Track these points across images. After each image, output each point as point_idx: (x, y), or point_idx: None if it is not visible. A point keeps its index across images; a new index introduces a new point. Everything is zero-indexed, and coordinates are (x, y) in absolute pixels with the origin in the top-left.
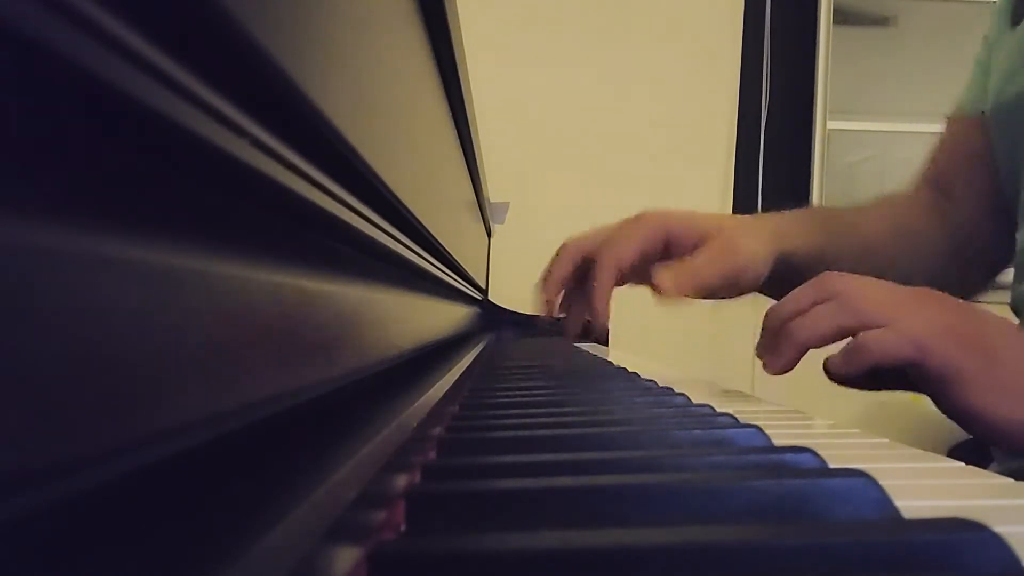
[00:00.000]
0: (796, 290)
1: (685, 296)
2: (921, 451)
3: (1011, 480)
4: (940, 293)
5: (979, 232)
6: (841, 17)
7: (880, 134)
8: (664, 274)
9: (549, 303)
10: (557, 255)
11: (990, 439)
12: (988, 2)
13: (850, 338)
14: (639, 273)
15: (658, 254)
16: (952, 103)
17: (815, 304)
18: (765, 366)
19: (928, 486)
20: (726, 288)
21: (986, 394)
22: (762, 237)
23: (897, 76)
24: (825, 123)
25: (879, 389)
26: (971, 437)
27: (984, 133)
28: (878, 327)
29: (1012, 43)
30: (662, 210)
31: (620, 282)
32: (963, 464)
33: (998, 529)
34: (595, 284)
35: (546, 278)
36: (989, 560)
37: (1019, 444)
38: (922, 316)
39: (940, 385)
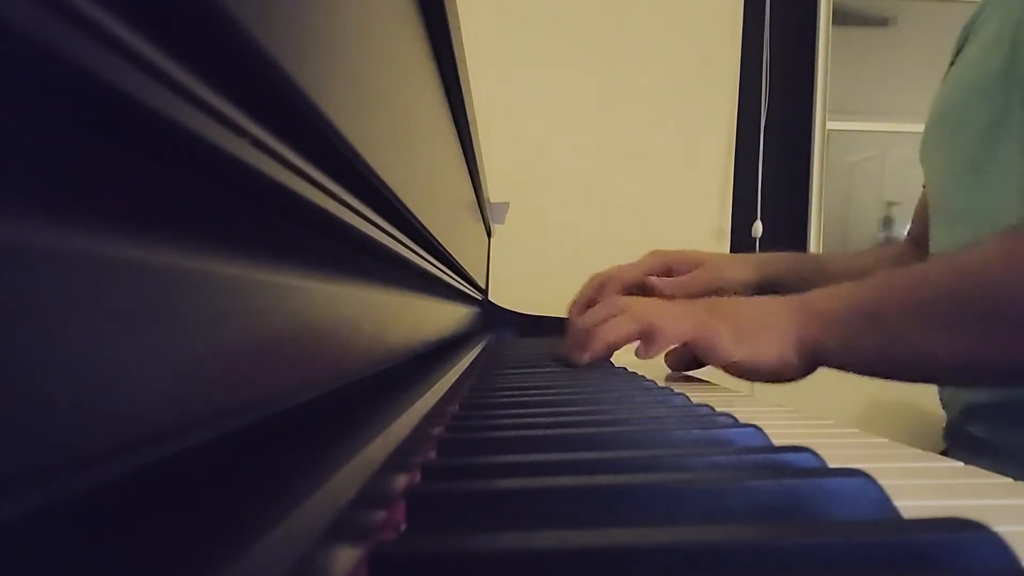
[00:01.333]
0: (595, 307)
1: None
2: (921, 451)
3: (1011, 480)
4: (700, 299)
5: None
6: (841, 17)
7: (880, 134)
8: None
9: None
10: (584, 285)
11: (751, 377)
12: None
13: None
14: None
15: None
16: None
17: (609, 317)
18: (573, 360)
19: (927, 486)
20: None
21: (737, 345)
22: (745, 266)
23: (897, 76)
24: (825, 123)
25: (694, 368)
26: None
27: None
28: (659, 326)
29: (935, 96)
30: (677, 251)
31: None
32: (963, 464)
33: (998, 529)
34: (583, 357)
35: (575, 302)
36: (989, 560)
37: (767, 374)
38: (691, 309)
39: (709, 350)
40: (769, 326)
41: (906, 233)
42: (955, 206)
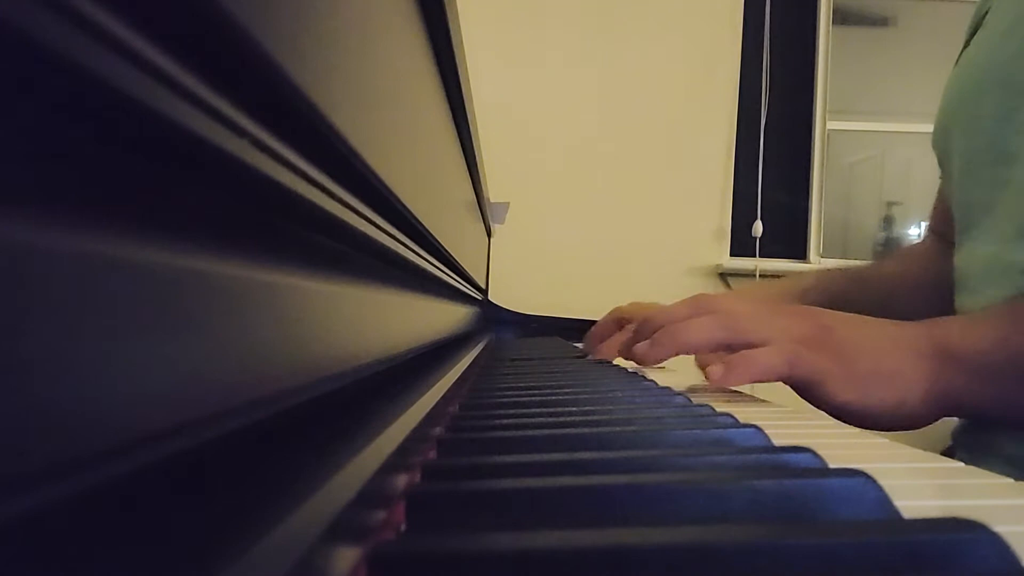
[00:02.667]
0: (674, 304)
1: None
2: (921, 451)
3: (1011, 480)
4: (803, 307)
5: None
6: (841, 17)
7: (880, 134)
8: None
9: (591, 349)
10: (607, 316)
11: (861, 424)
12: None
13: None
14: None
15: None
16: None
17: (694, 315)
18: (640, 358)
19: (928, 486)
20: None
21: (847, 388)
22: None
23: (897, 76)
24: (825, 123)
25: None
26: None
27: None
28: (750, 343)
29: (948, 82)
30: (720, 294)
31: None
32: (963, 464)
33: (998, 529)
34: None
35: (593, 332)
36: (989, 560)
37: (883, 423)
38: (789, 333)
39: (810, 389)
40: (893, 369)
41: (926, 228)
42: (975, 198)
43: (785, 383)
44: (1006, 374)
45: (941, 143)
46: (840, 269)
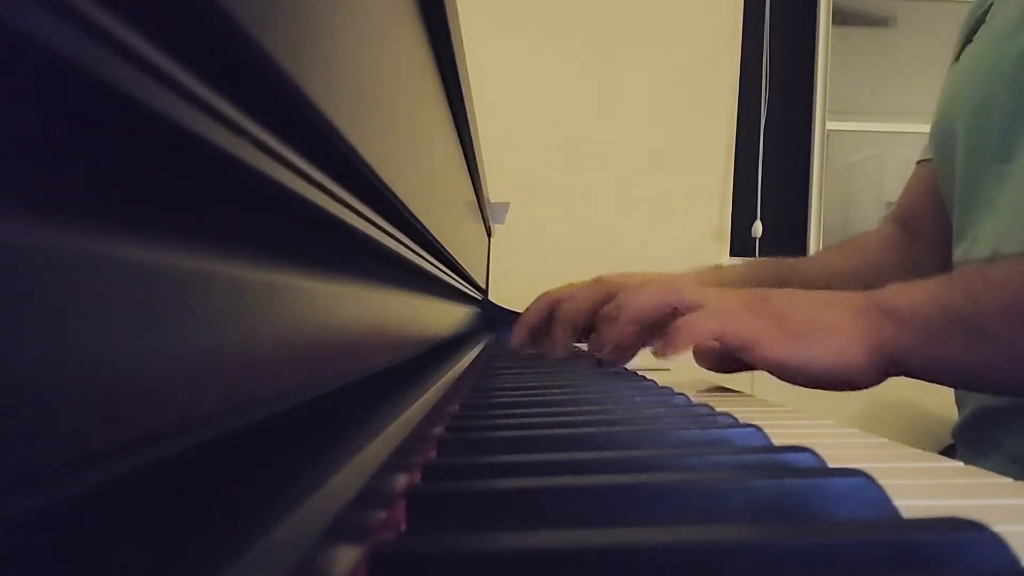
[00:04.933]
0: (653, 299)
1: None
2: (920, 451)
3: (1011, 480)
4: (743, 288)
5: (939, 270)
6: (840, 17)
7: (879, 134)
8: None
9: (519, 342)
10: (532, 304)
11: (802, 382)
12: None
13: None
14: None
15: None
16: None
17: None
18: (658, 352)
19: (927, 486)
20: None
21: (781, 344)
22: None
23: (896, 76)
24: (824, 123)
25: (731, 371)
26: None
27: None
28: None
29: (950, 78)
30: (619, 274)
31: (578, 334)
32: (963, 464)
33: (998, 529)
34: (553, 338)
35: (520, 322)
36: (988, 560)
37: (824, 380)
38: (723, 298)
39: (747, 349)
40: (828, 324)
41: (888, 218)
42: (978, 195)
43: (723, 345)
44: (942, 327)
45: (941, 140)
46: (771, 259)
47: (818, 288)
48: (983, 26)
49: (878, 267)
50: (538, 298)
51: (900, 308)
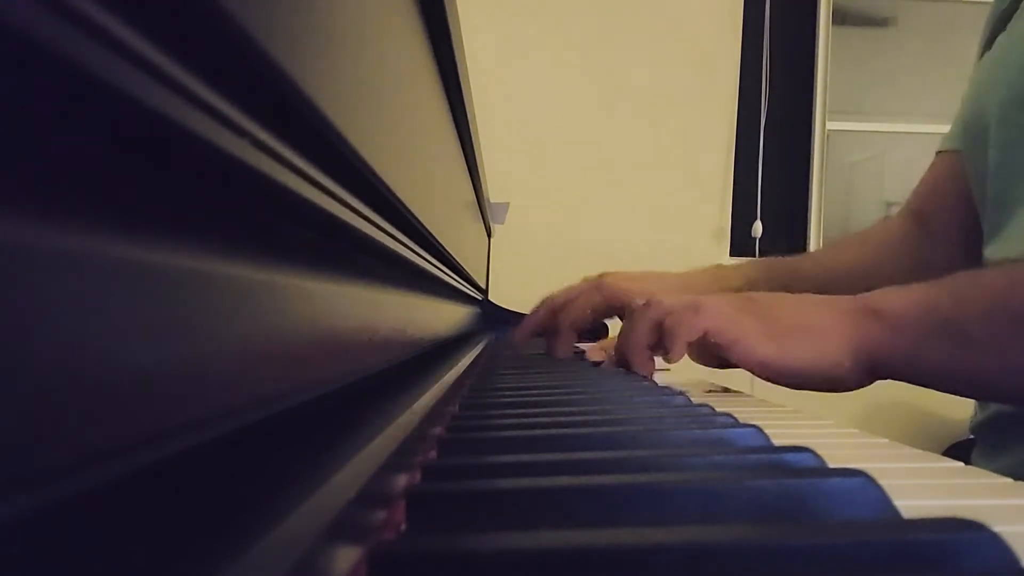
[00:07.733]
0: (643, 315)
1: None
2: (920, 451)
3: (1011, 480)
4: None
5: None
6: (840, 18)
7: (879, 135)
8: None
9: (520, 343)
10: (535, 309)
11: (787, 383)
12: (987, 3)
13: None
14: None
15: (612, 311)
16: (948, 113)
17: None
18: (667, 357)
19: (927, 486)
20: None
21: (765, 343)
22: (701, 286)
23: (896, 77)
24: (824, 124)
25: (724, 366)
26: (968, 437)
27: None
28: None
29: (977, 73)
30: (621, 272)
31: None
32: (963, 464)
33: (998, 529)
34: (556, 343)
35: (522, 327)
36: (988, 560)
37: (808, 381)
38: (708, 301)
39: (731, 346)
40: (812, 325)
41: (903, 210)
42: (1015, 190)
43: (711, 342)
44: (927, 329)
45: (971, 132)
46: (773, 259)
47: (821, 288)
48: (1015, 18)
49: (885, 262)
50: (541, 303)
51: (886, 310)
